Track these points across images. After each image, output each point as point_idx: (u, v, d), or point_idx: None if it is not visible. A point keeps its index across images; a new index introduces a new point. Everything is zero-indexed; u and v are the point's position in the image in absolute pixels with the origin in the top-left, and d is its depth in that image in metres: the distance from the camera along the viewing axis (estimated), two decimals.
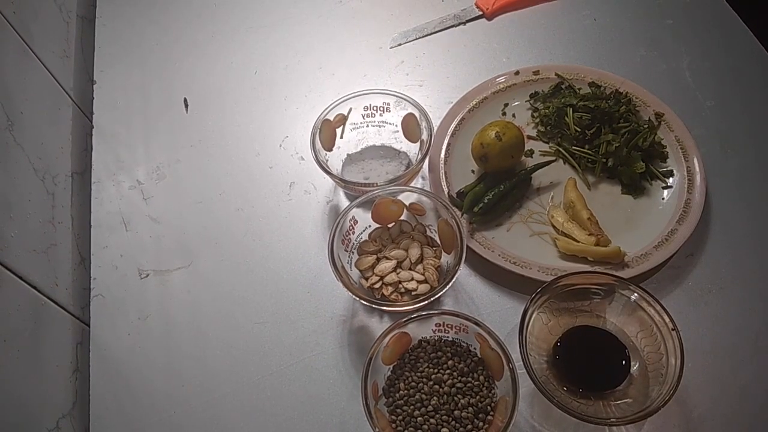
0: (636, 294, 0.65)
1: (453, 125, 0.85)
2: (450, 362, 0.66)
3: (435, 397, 0.64)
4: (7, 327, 0.63)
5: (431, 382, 0.65)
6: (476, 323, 0.63)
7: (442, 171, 0.82)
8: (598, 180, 0.81)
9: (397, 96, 0.79)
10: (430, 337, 0.68)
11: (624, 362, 0.66)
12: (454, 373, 0.66)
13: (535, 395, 0.66)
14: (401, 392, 0.65)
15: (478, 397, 0.65)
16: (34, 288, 0.69)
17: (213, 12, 1.01)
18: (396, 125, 0.81)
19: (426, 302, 0.66)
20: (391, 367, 0.67)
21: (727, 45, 0.92)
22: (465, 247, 0.68)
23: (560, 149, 0.83)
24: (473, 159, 0.81)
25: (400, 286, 0.72)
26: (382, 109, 0.80)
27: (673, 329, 0.63)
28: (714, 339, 0.70)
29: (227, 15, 1.01)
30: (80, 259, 0.81)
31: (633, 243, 0.74)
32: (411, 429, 0.63)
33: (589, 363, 0.68)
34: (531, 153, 0.83)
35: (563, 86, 0.87)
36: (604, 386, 0.65)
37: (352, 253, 0.74)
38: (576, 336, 0.67)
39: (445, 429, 0.63)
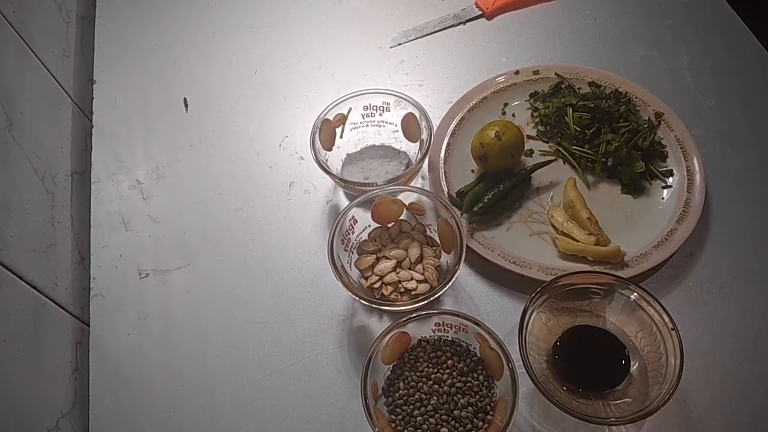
0: (636, 294, 0.65)
1: (453, 125, 0.85)
2: (450, 362, 0.66)
3: (434, 397, 0.64)
4: (6, 327, 0.63)
5: (431, 382, 0.65)
6: (476, 323, 0.63)
7: (442, 171, 0.82)
8: (598, 180, 0.81)
9: (396, 96, 0.79)
10: (430, 336, 0.68)
11: (623, 362, 0.66)
12: (454, 373, 0.66)
13: (534, 395, 0.66)
14: (401, 392, 0.65)
15: (477, 396, 0.65)
16: (34, 288, 0.69)
17: (213, 12, 1.01)
18: (396, 125, 0.81)
19: (425, 302, 0.66)
20: (391, 366, 0.67)
21: (727, 45, 0.92)
22: (465, 246, 0.68)
23: (560, 149, 0.83)
24: (473, 159, 0.81)
25: (400, 285, 0.72)
26: (381, 108, 0.80)
27: (672, 329, 0.63)
28: (714, 339, 0.70)
29: (227, 15, 1.01)
30: (80, 259, 0.81)
31: (633, 243, 0.74)
32: (410, 428, 0.63)
33: (588, 363, 0.68)
34: (531, 153, 0.83)
35: (563, 86, 0.87)
36: (604, 386, 0.65)
37: (352, 252, 0.74)
38: (576, 336, 0.67)
39: (444, 428, 0.63)
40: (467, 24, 0.98)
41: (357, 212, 0.72)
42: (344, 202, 0.82)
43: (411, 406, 0.64)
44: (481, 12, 0.98)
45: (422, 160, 0.76)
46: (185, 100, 0.92)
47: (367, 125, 0.82)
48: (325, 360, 0.71)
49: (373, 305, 0.68)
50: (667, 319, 0.63)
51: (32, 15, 0.83)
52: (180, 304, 0.76)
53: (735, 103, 0.86)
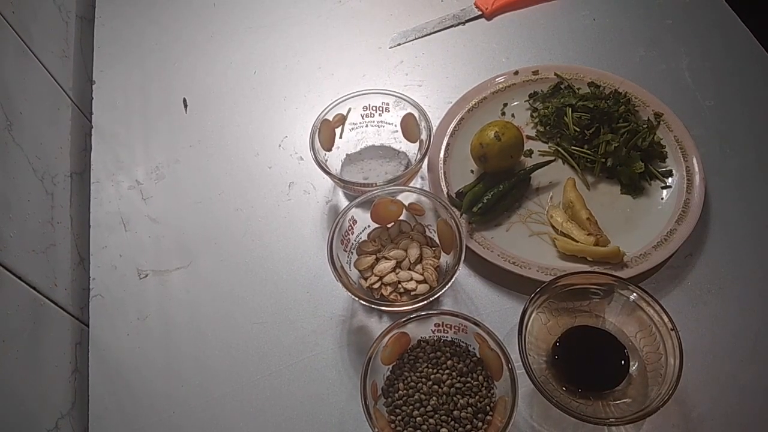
0: (635, 294, 0.65)
1: (452, 125, 0.85)
2: (449, 362, 0.66)
3: (434, 397, 0.64)
4: (6, 327, 0.63)
5: (430, 382, 0.65)
6: (475, 323, 0.63)
7: (442, 171, 0.82)
8: (597, 180, 0.81)
9: (396, 96, 0.79)
10: (429, 337, 0.68)
11: (623, 362, 0.66)
12: (453, 373, 0.66)
13: (534, 395, 0.66)
14: (400, 392, 0.65)
15: (477, 397, 0.65)
16: (34, 288, 0.69)
17: (213, 12, 1.01)
18: (395, 125, 0.81)
19: (425, 302, 0.66)
20: (390, 367, 0.67)
21: (727, 45, 0.92)
22: (464, 247, 0.68)
23: (559, 149, 0.83)
24: (472, 159, 0.81)
25: (399, 286, 0.72)
26: (381, 109, 0.80)
27: (672, 329, 0.63)
28: (713, 339, 0.70)
29: (227, 15, 1.01)
30: (79, 260, 0.81)
31: (632, 243, 0.74)
32: (410, 429, 0.63)
33: (588, 363, 0.68)
34: (530, 153, 0.83)
35: (562, 86, 0.87)
36: (603, 386, 0.65)
37: (352, 253, 0.74)
38: (575, 336, 0.67)
39: (444, 429, 0.63)
40: (467, 24, 0.98)
41: (356, 212, 0.72)
42: (344, 202, 0.82)
43: (410, 407, 0.64)
44: (480, 12, 0.98)
45: (422, 160, 0.76)
46: (185, 100, 0.92)
47: (367, 125, 0.82)
48: (324, 360, 0.71)
49: (373, 306, 0.68)
50: (666, 320, 0.63)
51: (32, 15, 0.83)
52: (180, 304, 0.76)
53: (735, 103, 0.86)
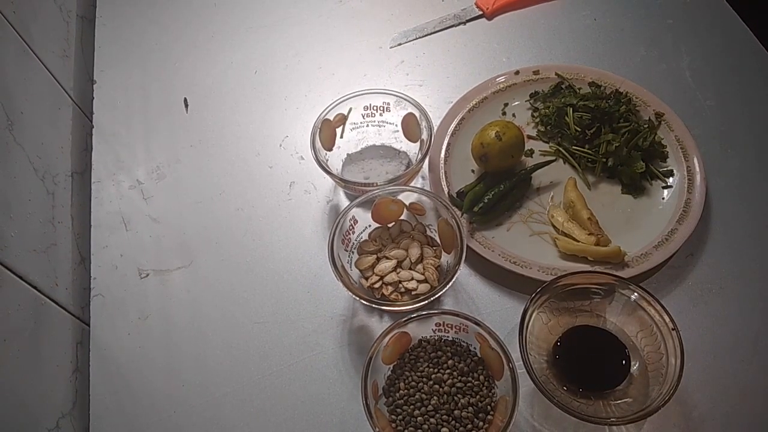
0: (636, 294, 0.65)
1: (453, 125, 0.85)
2: (450, 362, 0.66)
3: (435, 397, 0.64)
4: (7, 327, 0.63)
5: (431, 382, 0.65)
6: (476, 323, 0.63)
7: (442, 171, 0.82)
8: (598, 180, 0.81)
9: (397, 96, 0.79)
10: (430, 336, 0.68)
11: (624, 362, 0.66)
12: (454, 373, 0.66)
13: (535, 395, 0.66)
14: (401, 392, 0.65)
15: (478, 396, 0.65)
16: (34, 288, 0.69)
17: (213, 12, 1.01)
18: (396, 125, 0.81)
19: (426, 302, 0.66)
20: (391, 366, 0.67)
21: (727, 45, 0.92)
22: (465, 246, 0.68)
23: (560, 149, 0.83)
24: (473, 159, 0.81)
25: (400, 285, 0.72)
26: (382, 108, 0.80)
27: (673, 329, 0.63)
28: (714, 339, 0.70)
29: (227, 15, 1.01)
30: (80, 259, 0.81)
31: (633, 243, 0.74)
32: (411, 429, 0.63)
33: (589, 363, 0.68)
34: (531, 153, 0.83)
35: (563, 86, 0.87)
36: (604, 386, 0.65)
37: (352, 252, 0.74)
38: (576, 336, 0.67)
39: (445, 429, 0.63)
40: (467, 24, 0.98)
41: (357, 212, 0.72)
42: (344, 202, 0.82)
43: (411, 406, 0.64)
44: (481, 12, 0.98)
45: (422, 160, 0.76)
46: (185, 100, 0.92)
47: (368, 125, 0.82)
48: (325, 360, 0.71)
49: (374, 305, 0.68)
50: (667, 319, 0.63)
51: (32, 15, 0.83)
52: (180, 304, 0.76)
53: (735, 103, 0.86)
